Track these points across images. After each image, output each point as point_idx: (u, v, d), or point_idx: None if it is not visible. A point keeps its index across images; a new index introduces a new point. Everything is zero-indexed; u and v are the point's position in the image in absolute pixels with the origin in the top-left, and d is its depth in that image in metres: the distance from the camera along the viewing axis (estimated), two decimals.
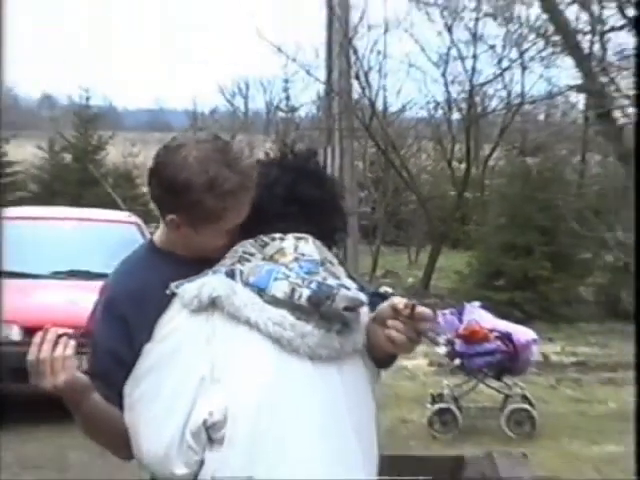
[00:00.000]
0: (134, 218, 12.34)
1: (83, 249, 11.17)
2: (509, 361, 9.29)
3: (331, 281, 2.68)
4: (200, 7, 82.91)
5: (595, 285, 16.58)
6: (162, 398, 2.66)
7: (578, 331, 14.58)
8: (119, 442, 2.82)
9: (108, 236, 11.31)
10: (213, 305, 2.65)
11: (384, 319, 2.71)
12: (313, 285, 2.64)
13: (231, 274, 2.69)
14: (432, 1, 16.90)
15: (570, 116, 20.80)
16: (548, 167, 17.86)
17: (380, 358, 2.80)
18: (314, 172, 2.95)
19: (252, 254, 2.74)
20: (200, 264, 2.87)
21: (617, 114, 5.71)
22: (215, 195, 2.77)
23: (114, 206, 14.92)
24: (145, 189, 24.39)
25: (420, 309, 2.70)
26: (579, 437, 9.33)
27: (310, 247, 2.76)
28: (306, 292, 2.62)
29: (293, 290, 2.62)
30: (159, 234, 3.03)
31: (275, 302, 2.62)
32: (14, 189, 22.50)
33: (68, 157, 23.60)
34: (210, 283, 2.67)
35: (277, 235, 2.78)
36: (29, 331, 9.40)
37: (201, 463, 2.62)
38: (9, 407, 9.20)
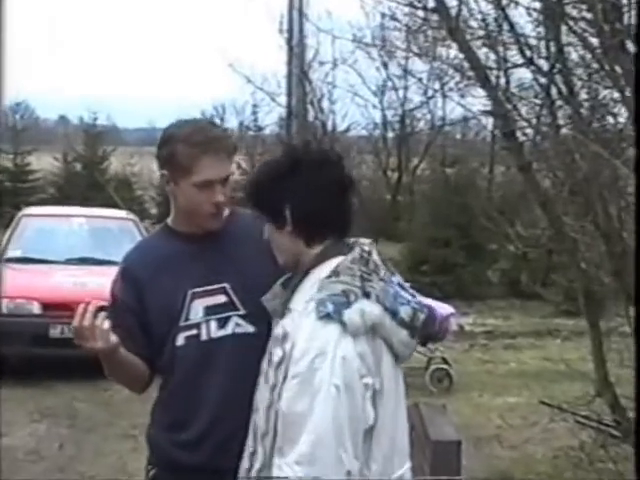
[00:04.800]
0: (131, 216, 12.07)
1: (90, 241, 10.95)
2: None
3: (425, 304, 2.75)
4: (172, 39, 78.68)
5: (500, 270, 16.52)
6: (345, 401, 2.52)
7: (486, 307, 14.55)
8: (134, 382, 2.88)
9: (110, 230, 11.16)
10: (372, 329, 2.60)
11: None
12: (426, 310, 2.67)
13: (368, 295, 2.58)
14: (371, 42, 16.33)
15: (481, 135, 20.37)
16: (463, 176, 17.65)
17: None
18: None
19: (369, 273, 2.60)
20: (201, 241, 2.83)
21: (518, 134, 5.28)
22: (186, 144, 2.74)
23: (115, 206, 14.35)
24: (141, 192, 23.48)
25: None
26: (487, 391, 9.34)
27: (377, 254, 2.72)
28: (422, 316, 2.65)
29: (414, 314, 2.62)
30: (170, 217, 3.00)
31: (402, 324, 2.61)
32: (36, 192, 22.01)
33: (78, 166, 23.02)
34: (371, 313, 2.57)
35: (364, 248, 2.64)
36: (46, 306, 9.35)
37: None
38: (30, 367, 8.96)
